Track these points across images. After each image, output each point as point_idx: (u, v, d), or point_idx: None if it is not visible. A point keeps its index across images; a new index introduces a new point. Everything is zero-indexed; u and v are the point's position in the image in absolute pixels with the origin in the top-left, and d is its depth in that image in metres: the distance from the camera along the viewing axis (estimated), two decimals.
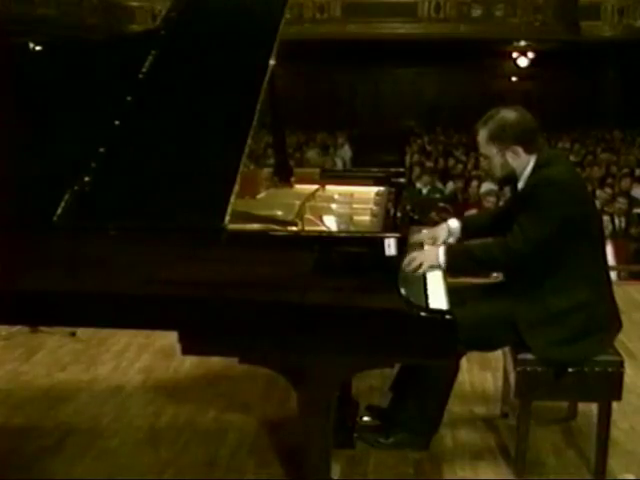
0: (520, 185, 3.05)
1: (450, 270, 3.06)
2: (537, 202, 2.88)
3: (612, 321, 3.05)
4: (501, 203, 7.29)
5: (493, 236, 3.20)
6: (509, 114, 3.00)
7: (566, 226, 2.87)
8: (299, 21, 17.72)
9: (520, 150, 2.98)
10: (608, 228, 6.80)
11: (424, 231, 3.37)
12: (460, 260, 3.06)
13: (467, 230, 3.32)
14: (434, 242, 3.24)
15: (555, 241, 2.88)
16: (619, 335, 3.12)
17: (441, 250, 3.04)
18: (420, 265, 2.97)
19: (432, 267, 3.01)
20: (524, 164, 3.00)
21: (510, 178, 3.10)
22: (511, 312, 2.98)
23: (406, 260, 2.94)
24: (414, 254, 3.03)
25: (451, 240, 3.29)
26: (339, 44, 18.66)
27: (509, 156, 2.99)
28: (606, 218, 7.11)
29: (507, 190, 9.08)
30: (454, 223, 3.32)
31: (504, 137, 2.97)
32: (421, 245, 3.25)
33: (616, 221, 6.89)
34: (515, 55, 21.79)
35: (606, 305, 3.02)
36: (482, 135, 3.02)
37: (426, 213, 7.08)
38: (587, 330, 2.93)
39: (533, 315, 2.95)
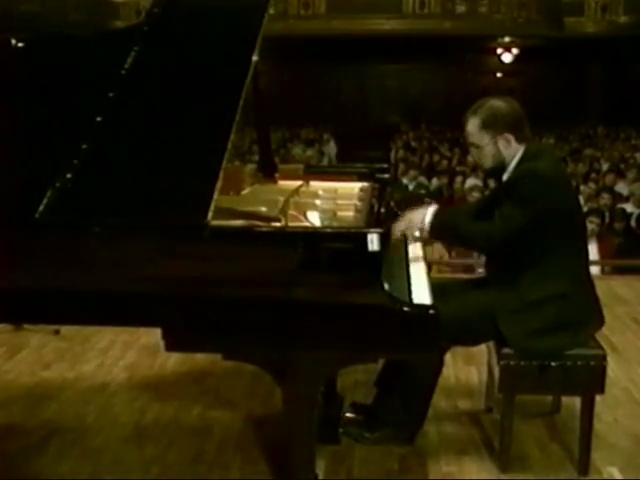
0: (505, 177, 3.05)
1: (431, 233, 3.08)
2: (519, 193, 2.89)
3: (591, 316, 3.07)
4: None
5: None
6: (499, 103, 3.02)
7: (546, 219, 2.88)
8: (284, 17, 17.72)
9: (512, 138, 2.99)
10: (594, 222, 6.80)
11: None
12: (444, 228, 3.08)
13: None
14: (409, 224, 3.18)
15: (534, 233, 2.89)
16: (602, 329, 3.14)
17: (430, 210, 3.06)
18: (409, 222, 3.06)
19: (416, 232, 3.10)
20: (513, 153, 3.01)
21: (497, 170, 3.09)
22: (492, 305, 2.99)
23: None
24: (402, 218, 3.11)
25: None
26: (324, 40, 18.68)
27: (501, 144, 2.99)
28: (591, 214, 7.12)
29: (492, 185, 9.12)
30: (429, 218, 3.24)
31: (496, 124, 2.97)
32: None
33: (596, 219, 6.89)
34: (499, 51, 21.89)
35: (584, 299, 3.03)
36: (473, 123, 3.01)
37: (412, 209, 7.07)
38: (561, 322, 2.95)
39: (510, 305, 2.96)
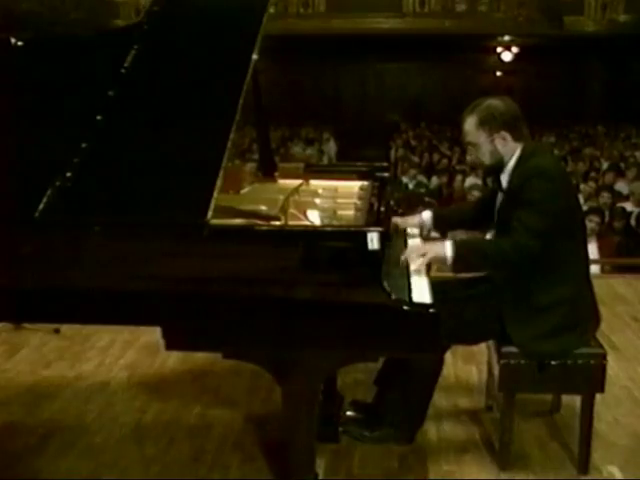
0: (504, 177, 3.05)
1: (456, 265, 2.96)
2: (532, 194, 2.86)
3: (593, 316, 3.07)
4: None
5: (470, 229, 3.20)
6: (495, 101, 3.03)
7: (557, 219, 2.88)
8: (283, 16, 17.68)
9: (508, 136, 2.99)
10: (594, 221, 6.78)
11: (397, 219, 3.34)
12: (469, 256, 2.98)
13: (440, 221, 3.32)
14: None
15: (552, 233, 2.88)
16: (602, 327, 3.14)
17: (448, 243, 2.94)
18: (424, 255, 2.91)
19: (435, 260, 2.98)
20: (511, 152, 3.01)
21: (496, 167, 3.09)
22: (496, 306, 2.99)
23: (408, 249, 3.00)
24: (418, 244, 3.05)
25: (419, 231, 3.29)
26: (324, 39, 18.64)
27: (498, 142, 3.00)
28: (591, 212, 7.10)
29: (491, 183, 9.11)
30: (427, 214, 3.37)
31: (493, 122, 2.98)
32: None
33: (596, 218, 6.88)
34: (499, 50, 21.84)
35: (587, 299, 3.04)
36: (470, 122, 3.02)
37: (412, 207, 7.09)
38: (569, 324, 2.95)
39: (518, 309, 2.96)
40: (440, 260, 2.96)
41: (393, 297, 2.46)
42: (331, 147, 17.15)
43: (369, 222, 2.92)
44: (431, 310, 2.49)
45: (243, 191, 3.40)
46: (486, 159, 3.07)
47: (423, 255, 2.92)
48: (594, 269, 6.24)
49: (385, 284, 2.45)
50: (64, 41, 3.27)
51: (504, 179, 3.05)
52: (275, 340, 2.52)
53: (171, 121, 2.79)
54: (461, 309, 2.99)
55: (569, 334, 2.95)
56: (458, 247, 2.94)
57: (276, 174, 3.77)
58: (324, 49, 19.53)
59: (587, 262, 3.16)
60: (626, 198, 8.92)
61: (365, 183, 3.68)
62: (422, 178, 11.49)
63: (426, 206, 7.35)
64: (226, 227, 2.57)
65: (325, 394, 3.09)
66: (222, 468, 3.12)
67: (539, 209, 2.86)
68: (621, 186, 9.92)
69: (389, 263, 2.73)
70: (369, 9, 18.33)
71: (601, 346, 3.02)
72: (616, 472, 3.10)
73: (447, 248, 2.92)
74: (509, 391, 3.02)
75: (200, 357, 4.03)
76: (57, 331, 4.49)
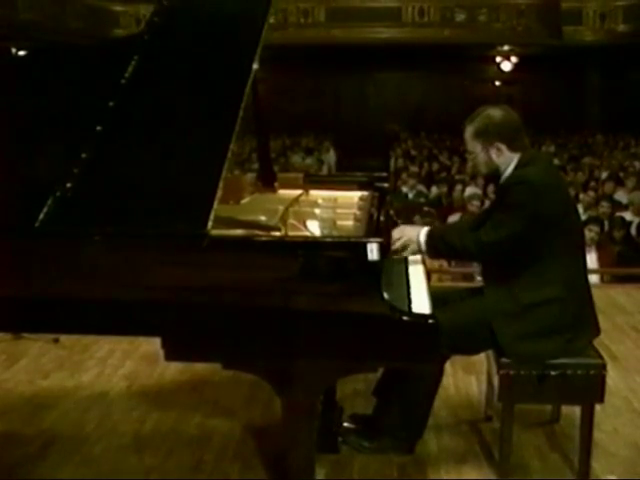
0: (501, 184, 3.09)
1: (429, 253, 3.15)
2: (509, 200, 2.93)
3: (587, 323, 3.06)
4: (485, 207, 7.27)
5: None
6: (494, 112, 3.05)
7: (537, 224, 2.90)
8: (283, 26, 17.77)
9: (504, 147, 3.02)
10: (593, 231, 6.78)
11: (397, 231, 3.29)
12: (439, 245, 3.12)
13: None
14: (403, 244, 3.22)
15: (526, 238, 2.91)
16: (602, 338, 3.14)
17: (423, 231, 3.12)
18: (400, 238, 3.11)
19: (413, 250, 3.14)
20: (507, 162, 3.04)
21: (494, 176, 3.13)
22: (487, 310, 2.99)
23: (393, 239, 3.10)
24: (397, 232, 3.15)
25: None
26: (323, 49, 18.74)
27: (493, 153, 3.03)
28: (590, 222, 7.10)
29: (491, 193, 9.13)
30: (423, 238, 3.17)
31: (488, 134, 3.02)
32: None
33: (595, 227, 6.87)
34: (498, 59, 21.95)
35: (579, 306, 3.03)
36: (468, 131, 3.07)
37: (410, 217, 7.11)
38: (554, 327, 2.94)
39: (504, 308, 2.97)
40: (412, 247, 3.13)
41: (393, 308, 2.47)
42: (331, 157, 17.19)
43: (369, 232, 2.93)
44: (430, 320, 2.50)
45: (243, 201, 3.40)
46: (482, 168, 3.14)
47: (399, 238, 3.11)
48: (594, 279, 6.23)
49: (385, 294, 2.45)
50: (64, 51, 3.28)
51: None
52: (275, 351, 2.52)
53: (171, 131, 2.79)
54: (460, 319, 2.98)
55: (556, 337, 2.94)
56: (431, 235, 3.12)
57: (276, 184, 3.77)
58: (324, 59, 19.62)
59: (584, 269, 3.15)
60: (625, 208, 8.93)
61: (365, 193, 3.69)
62: (422, 188, 11.50)
63: (424, 215, 7.39)
64: (226, 238, 2.57)
65: (324, 404, 3.09)
66: (221, 478, 3.12)
67: (510, 214, 2.91)
68: (620, 195, 9.94)
69: (389, 273, 2.73)
70: (369, 19, 18.42)
71: (601, 356, 3.02)
72: None
73: (421, 234, 3.12)
74: (509, 401, 3.02)
75: (199, 367, 4.03)
76: (56, 341, 4.50)
